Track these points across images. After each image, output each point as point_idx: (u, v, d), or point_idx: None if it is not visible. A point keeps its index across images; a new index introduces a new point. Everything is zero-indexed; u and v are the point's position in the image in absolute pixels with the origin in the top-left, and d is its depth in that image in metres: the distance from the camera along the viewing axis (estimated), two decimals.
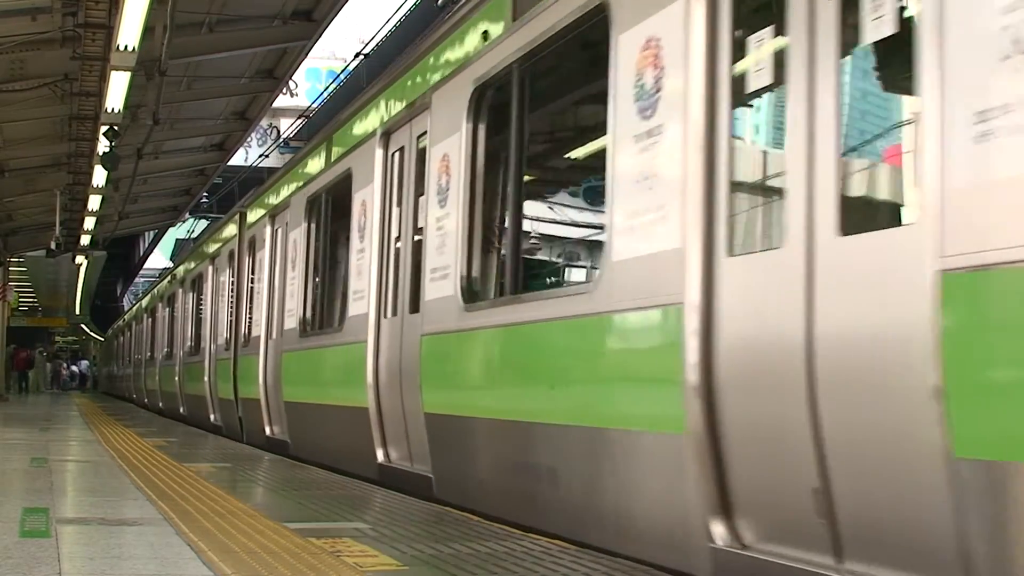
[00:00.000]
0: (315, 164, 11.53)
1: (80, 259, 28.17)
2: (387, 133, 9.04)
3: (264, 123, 31.66)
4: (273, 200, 13.66)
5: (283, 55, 16.39)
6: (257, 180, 17.82)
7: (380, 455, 8.71)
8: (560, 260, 8.28)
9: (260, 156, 30.38)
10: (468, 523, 6.13)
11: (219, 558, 4.77)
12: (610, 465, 5.41)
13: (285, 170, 13.44)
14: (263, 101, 18.80)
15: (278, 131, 35.58)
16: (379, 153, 9.11)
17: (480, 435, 6.95)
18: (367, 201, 9.35)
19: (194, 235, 34.68)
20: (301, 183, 12.05)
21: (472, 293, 7.19)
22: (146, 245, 46.63)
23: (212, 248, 18.85)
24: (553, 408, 6.00)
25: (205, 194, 29.40)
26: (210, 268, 18.58)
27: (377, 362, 8.78)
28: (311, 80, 39.11)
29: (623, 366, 5.38)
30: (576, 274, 8.28)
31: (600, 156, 5.69)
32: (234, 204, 20.16)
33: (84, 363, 65.73)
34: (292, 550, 5.03)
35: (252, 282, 14.70)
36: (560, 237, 8.07)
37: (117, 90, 12.86)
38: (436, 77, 7.96)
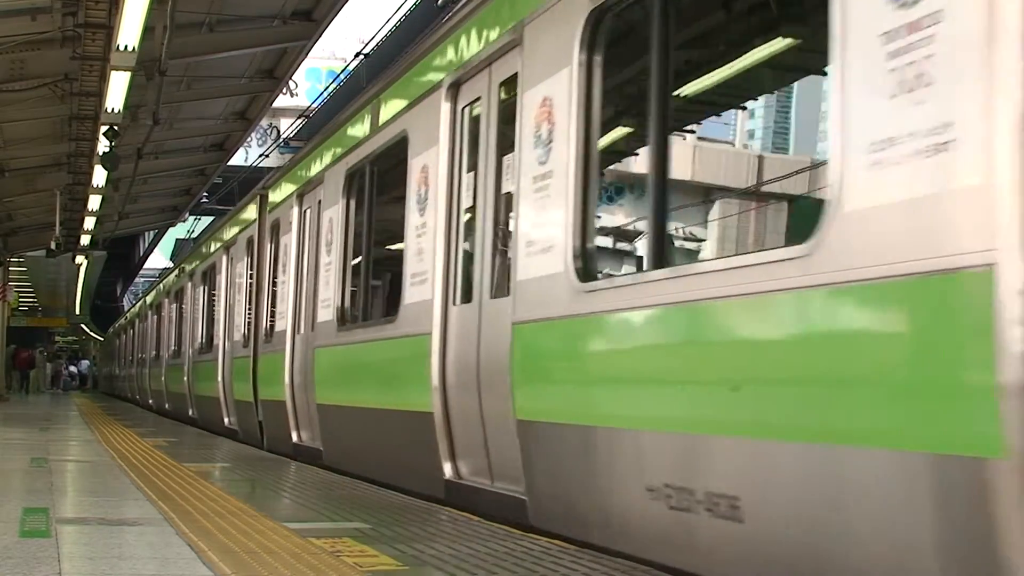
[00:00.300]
0: (357, 131, 10.04)
1: (80, 259, 28.17)
2: (457, 84, 7.57)
3: (264, 123, 31.67)
4: (302, 177, 12.08)
5: (283, 55, 16.40)
6: (257, 180, 17.48)
7: (448, 470, 7.27)
8: (729, 217, 6.61)
9: (260, 156, 30.41)
10: (468, 523, 6.13)
11: (219, 558, 4.77)
12: (847, 497, 3.92)
13: (316, 143, 11.85)
14: (263, 101, 18.80)
15: (278, 131, 35.57)
16: (445, 108, 7.65)
17: (609, 450, 5.44)
18: (429, 166, 7.87)
19: (194, 235, 34.63)
20: (338, 154, 10.51)
21: (592, 268, 5.76)
22: (146, 245, 46.62)
23: (226, 236, 17.18)
24: (736, 417, 4.49)
25: (205, 194, 29.40)
26: (224, 258, 17.04)
27: (444, 358, 7.37)
28: (311, 80, 39.11)
29: (871, 359, 3.86)
30: (757, 235, 6.58)
31: (797, 69, 4.71)
32: (234, 204, 20.12)
33: (85, 363, 65.75)
34: (292, 550, 5.03)
35: (275, 271, 13.15)
36: (730, 187, 6.36)
37: (117, 90, 12.87)
38: (530, 6, 6.53)
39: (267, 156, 29.86)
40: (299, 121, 27.35)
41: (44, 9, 12.20)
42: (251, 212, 15.00)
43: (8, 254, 29.16)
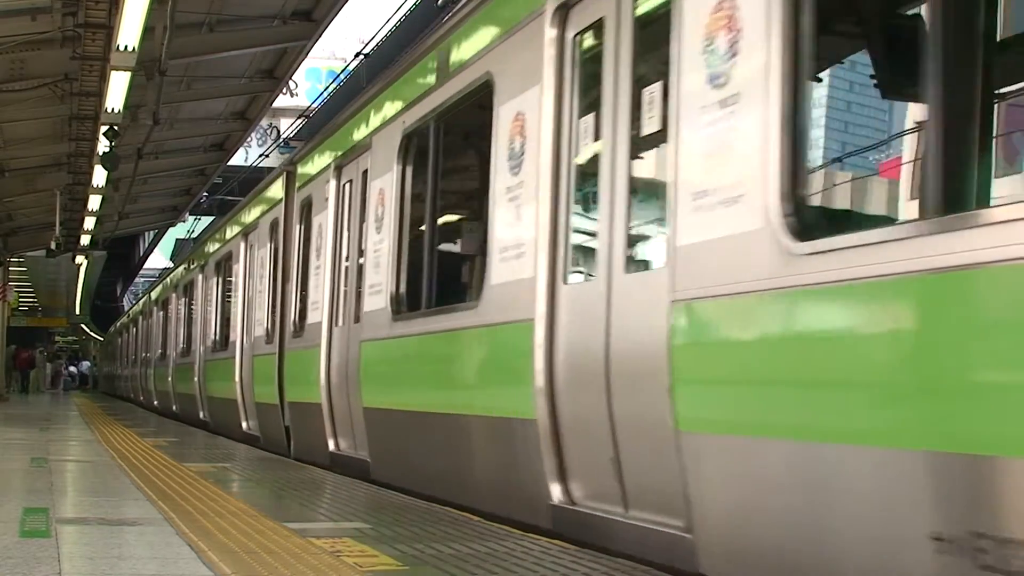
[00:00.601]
0: (417, 83, 8.43)
1: (80, 259, 28.21)
2: (566, 5, 6.10)
3: (264, 123, 31.70)
4: (341, 146, 10.48)
5: (283, 55, 16.42)
6: (257, 180, 17.33)
7: (555, 493, 5.87)
8: None
9: (260, 156, 30.43)
10: (469, 523, 6.13)
11: (219, 558, 4.77)
12: None
13: (358, 106, 10.10)
14: (263, 101, 18.83)
15: (278, 131, 35.61)
16: (551, 37, 6.13)
17: (853, 478, 3.84)
18: (526, 113, 6.38)
19: (194, 235, 34.58)
20: (391, 114, 8.91)
21: (815, 222, 4.24)
22: (146, 245, 46.68)
23: (244, 221, 15.50)
24: None
25: (205, 194, 29.43)
26: (242, 245, 15.36)
27: (551, 351, 5.94)
28: (311, 80, 39.15)
29: None
30: None
31: None
32: (234, 204, 20.03)
33: (85, 363, 65.78)
34: (292, 550, 5.03)
35: (306, 256, 11.60)
36: None
37: (117, 90, 12.88)
38: None
39: (267, 156, 29.88)
40: (299, 121, 27.36)
41: (44, 9, 12.21)
42: (275, 191, 13.34)
43: (8, 254, 29.19)
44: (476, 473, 6.98)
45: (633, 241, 5.45)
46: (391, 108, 8.98)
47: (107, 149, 14.85)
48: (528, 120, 6.36)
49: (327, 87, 27.88)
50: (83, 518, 6.17)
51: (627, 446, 5.26)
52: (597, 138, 5.78)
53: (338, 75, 27.56)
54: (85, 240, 25.32)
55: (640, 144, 5.45)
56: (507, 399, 6.39)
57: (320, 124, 20.58)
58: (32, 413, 22.58)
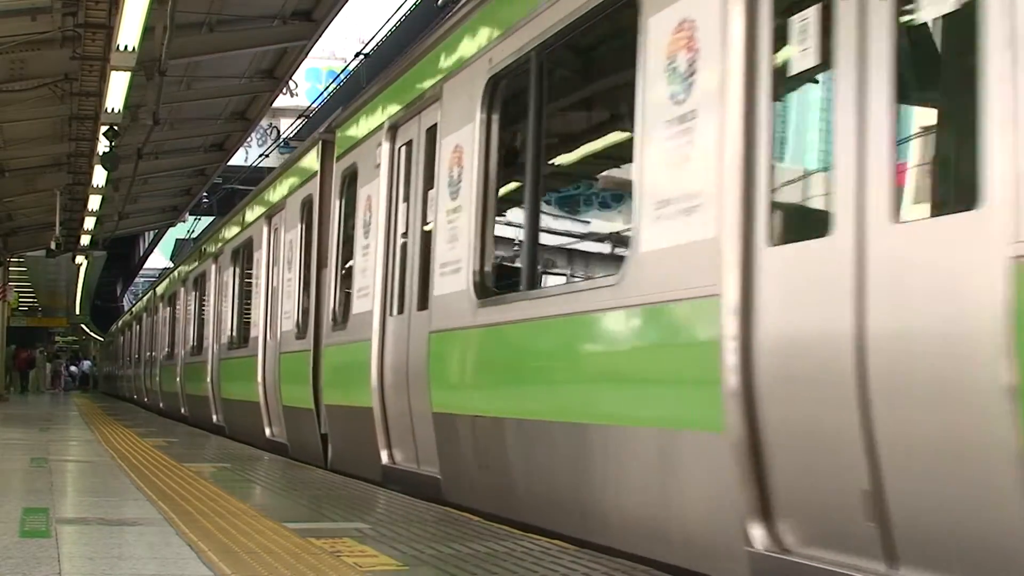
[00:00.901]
0: (508, 13, 6.88)
1: (80, 259, 28.22)
2: None
3: (264, 123, 31.70)
4: (396, 103, 8.94)
5: (283, 55, 16.43)
6: (257, 180, 17.17)
7: (757, 535, 4.33)
8: None
9: (260, 156, 30.45)
10: (468, 523, 6.13)
11: (219, 558, 4.77)
12: None
13: (421, 51, 8.52)
14: (263, 101, 18.83)
15: (278, 131, 35.61)
16: None
17: None
18: (696, 21, 4.85)
19: (194, 235, 34.55)
20: (471, 54, 7.35)
21: None
22: (146, 245, 46.71)
23: (267, 202, 13.88)
24: None
25: (205, 194, 29.45)
26: (264, 229, 13.76)
27: (747, 339, 4.40)
28: (311, 80, 39.16)
29: None
30: None
31: None
32: (234, 205, 19.98)
33: (87, 363, 65.80)
34: (292, 550, 5.03)
35: (349, 235, 10.07)
36: None
37: (117, 90, 12.89)
38: None
39: (267, 156, 29.88)
40: (299, 121, 27.37)
41: (44, 9, 12.21)
42: (308, 165, 11.69)
43: (8, 254, 29.20)
44: (620, 503, 5.37)
45: (907, 172, 3.90)
46: (470, 47, 7.43)
47: (107, 149, 14.87)
48: (701, 29, 4.79)
49: (327, 87, 27.88)
50: (83, 518, 6.17)
51: (903, 475, 3.74)
52: (826, 39, 4.17)
53: (338, 75, 27.56)
54: (85, 240, 25.34)
55: (912, 36, 3.93)
56: (671, 405, 4.92)
57: (319, 124, 20.56)
58: (32, 413, 22.58)
